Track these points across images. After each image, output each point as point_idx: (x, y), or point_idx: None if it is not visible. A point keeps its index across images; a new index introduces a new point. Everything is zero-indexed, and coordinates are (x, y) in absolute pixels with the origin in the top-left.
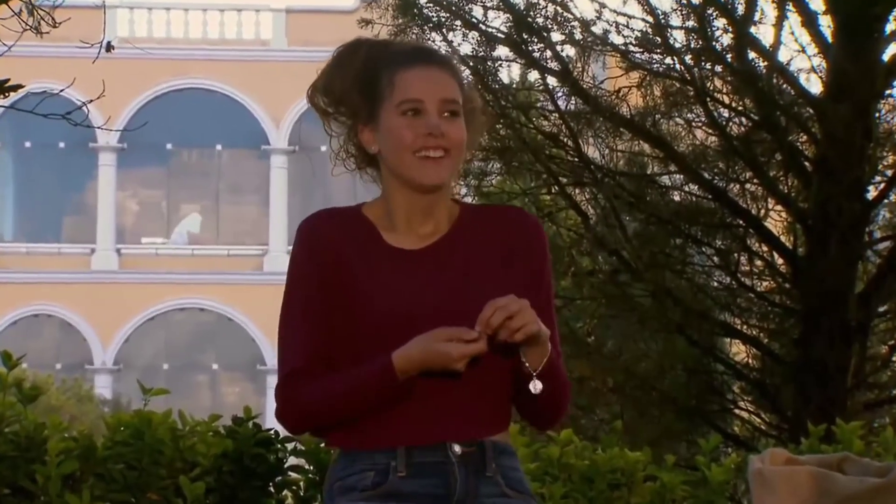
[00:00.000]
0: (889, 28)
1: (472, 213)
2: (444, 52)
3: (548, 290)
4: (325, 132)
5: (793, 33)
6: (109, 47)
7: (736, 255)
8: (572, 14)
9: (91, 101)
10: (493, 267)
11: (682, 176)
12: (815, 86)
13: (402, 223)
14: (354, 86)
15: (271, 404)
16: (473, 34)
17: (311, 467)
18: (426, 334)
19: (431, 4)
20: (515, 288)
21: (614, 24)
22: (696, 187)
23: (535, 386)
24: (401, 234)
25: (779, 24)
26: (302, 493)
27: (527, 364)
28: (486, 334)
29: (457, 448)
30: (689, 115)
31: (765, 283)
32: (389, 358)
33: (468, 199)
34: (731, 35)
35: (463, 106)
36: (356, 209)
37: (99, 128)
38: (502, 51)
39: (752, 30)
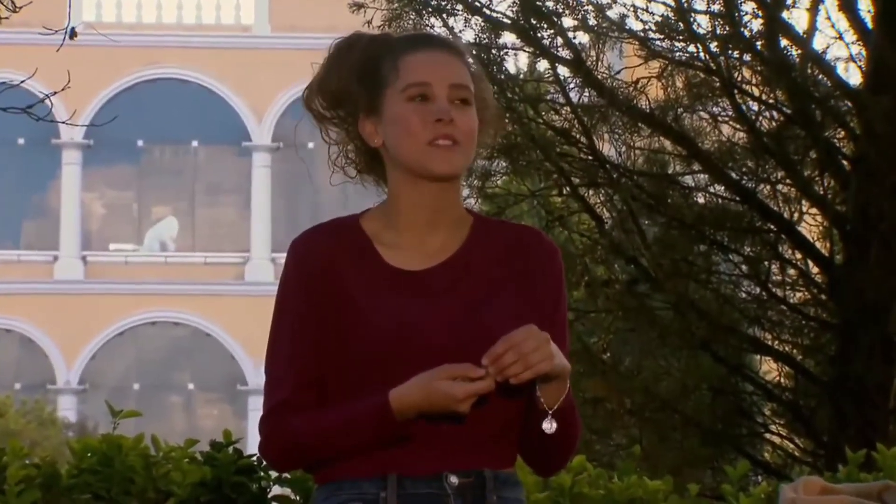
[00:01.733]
0: None
1: (485, 230)
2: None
3: (563, 320)
4: (323, 140)
5: (829, 18)
6: (74, 34)
7: (766, 263)
8: None
9: (55, 92)
10: (505, 294)
11: (706, 176)
12: (853, 76)
13: (406, 233)
14: (353, 76)
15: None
16: (476, 19)
17: (298, 497)
18: (427, 372)
19: None
20: (530, 318)
21: (632, 8)
22: (723, 188)
23: (550, 425)
24: (404, 251)
25: (814, 9)
26: None
27: (542, 400)
28: (493, 372)
29: (453, 479)
30: (714, 109)
31: (798, 294)
32: (386, 398)
33: (471, 202)
34: (760, 20)
35: (474, 97)
36: (354, 221)
37: (63, 122)
38: (508, 38)
39: (785, 14)
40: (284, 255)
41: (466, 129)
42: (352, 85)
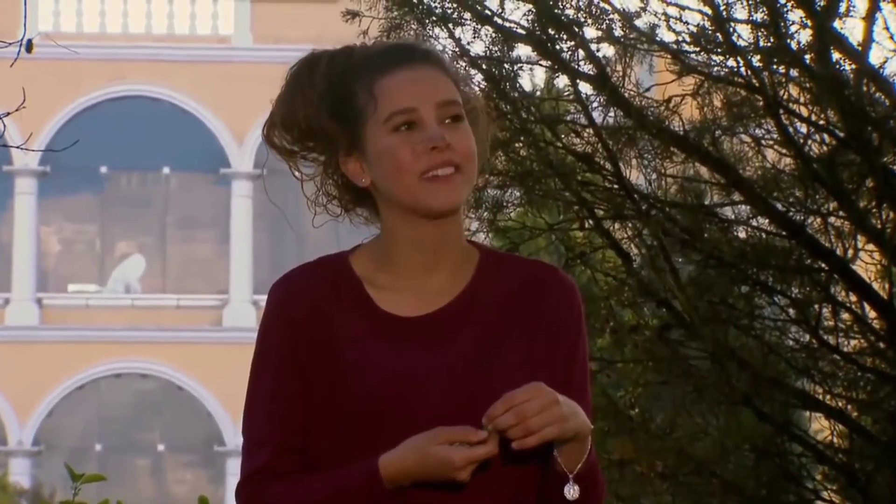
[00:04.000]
0: None
1: (493, 267)
2: (437, 48)
3: (582, 370)
4: (293, 177)
5: (887, 29)
6: (30, 47)
7: (817, 306)
8: (611, 5)
9: (7, 113)
10: (515, 342)
11: (748, 207)
12: None
13: (403, 274)
14: (322, 110)
15: (231, 494)
16: (487, 30)
17: None
18: (422, 435)
19: None
20: (542, 370)
21: (664, 17)
22: (767, 221)
23: (571, 490)
24: (400, 294)
25: (870, 18)
26: None
27: (561, 463)
28: (497, 434)
29: None
30: (757, 131)
31: (853, 342)
32: (376, 464)
33: (480, 237)
34: (809, 31)
35: (464, 101)
36: (343, 260)
37: (16, 147)
38: (523, 50)
39: (837, 24)
40: (266, 297)
41: (464, 150)
42: (323, 120)
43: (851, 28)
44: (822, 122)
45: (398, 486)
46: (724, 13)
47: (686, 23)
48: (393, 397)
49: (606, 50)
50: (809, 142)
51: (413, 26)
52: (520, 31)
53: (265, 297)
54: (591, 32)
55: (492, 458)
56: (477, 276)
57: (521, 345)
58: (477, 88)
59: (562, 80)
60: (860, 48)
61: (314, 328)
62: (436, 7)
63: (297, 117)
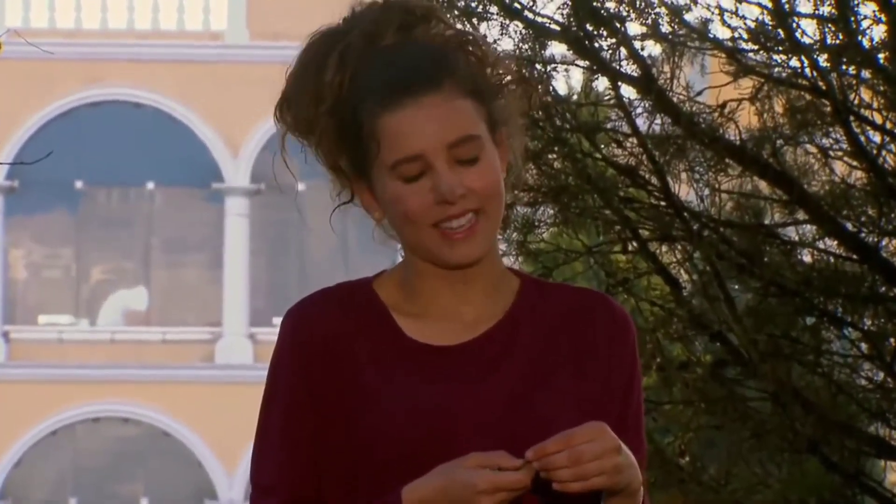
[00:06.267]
0: None
1: (536, 294)
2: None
3: (637, 412)
4: (316, 160)
5: None
6: None
7: (893, 340)
8: None
9: None
10: (563, 376)
11: (814, 227)
12: None
13: (431, 303)
14: (330, 132)
15: None
16: (516, 25)
17: None
18: (453, 461)
19: None
20: (593, 409)
21: (717, 11)
22: (835, 243)
23: None
24: (432, 322)
25: None
26: None
27: None
28: (535, 469)
29: None
30: (824, 141)
31: None
32: (399, 495)
33: (508, 261)
34: (883, 26)
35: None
36: (366, 285)
37: None
38: (557, 49)
39: None
40: (264, 330)
41: (485, 189)
42: (330, 139)
43: None
44: None
45: None
46: (787, 6)
47: (743, 17)
48: (425, 438)
49: (652, 48)
50: (883, 152)
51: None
52: (554, 26)
53: (263, 330)
54: (634, 28)
55: (523, 492)
56: (518, 303)
57: (570, 380)
58: (512, 64)
59: (601, 83)
60: None
61: (333, 362)
62: (458, 0)
63: (306, 125)
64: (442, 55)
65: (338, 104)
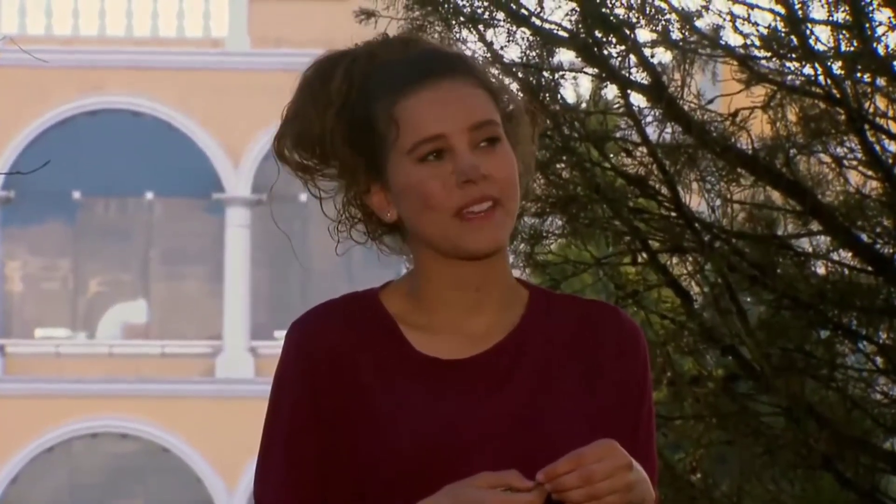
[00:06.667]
0: None
1: (545, 307)
2: (456, 49)
3: (648, 428)
4: (311, 194)
5: None
6: None
7: None
8: (668, 3)
9: None
10: (573, 391)
11: (828, 238)
12: None
13: (442, 314)
14: (339, 132)
15: None
16: (523, 32)
17: None
18: (463, 480)
19: None
20: (604, 424)
21: (729, 18)
22: (850, 255)
23: None
24: (440, 335)
25: None
26: None
27: None
28: (547, 490)
29: None
30: (838, 150)
31: None
32: None
33: (515, 273)
34: None
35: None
36: (372, 298)
37: None
38: (565, 56)
39: None
40: (266, 344)
41: (504, 179)
42: (340, 146)
43: None
44: None
45: None
46: (800, 13)
47: (755, 24)
48: (433, 452)
49: (662, 55)
50: None
51: (438, 28)
52: (561, 33)
53: (264, 343)
54: (644, 35)
55: None
56: (527, 315)
57: (579, 394)
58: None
59: (610, 91)
60: None
61: (338, 377)
62: (464, 6)
63: (312, 135)
64: (457, 53)
65: (347, 104)
